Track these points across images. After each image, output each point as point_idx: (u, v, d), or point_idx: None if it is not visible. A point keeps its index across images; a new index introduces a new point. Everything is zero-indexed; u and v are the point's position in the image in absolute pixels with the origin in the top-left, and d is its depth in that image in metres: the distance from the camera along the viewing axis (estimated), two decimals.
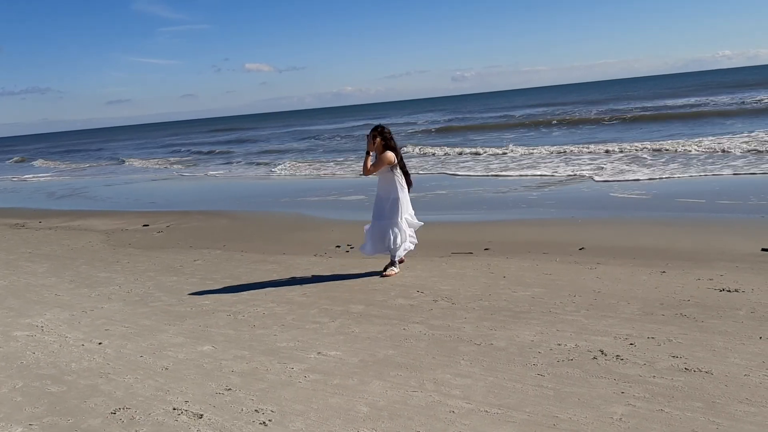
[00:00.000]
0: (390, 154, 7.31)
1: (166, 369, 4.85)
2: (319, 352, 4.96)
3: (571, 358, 4.45)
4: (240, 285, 7.45)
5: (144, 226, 13.33)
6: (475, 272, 7.20)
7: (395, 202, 7.37)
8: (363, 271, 7.63)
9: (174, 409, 4.10)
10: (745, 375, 3.97)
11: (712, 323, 4.96)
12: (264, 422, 3.81)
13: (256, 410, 3.98)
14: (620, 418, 3.52)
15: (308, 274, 7.76)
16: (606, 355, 4.44)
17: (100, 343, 5.60)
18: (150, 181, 26.14)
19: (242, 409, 4.02)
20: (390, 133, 7.42)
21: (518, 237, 9.43)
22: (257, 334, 5.53)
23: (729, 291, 5.76)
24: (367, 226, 7.63)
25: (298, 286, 7.20)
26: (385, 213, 7.38)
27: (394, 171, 7.36)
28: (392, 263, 7.45)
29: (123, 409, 4.15)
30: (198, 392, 4.34)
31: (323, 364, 4.70)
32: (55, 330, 6.09)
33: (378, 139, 7.33)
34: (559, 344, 4.72)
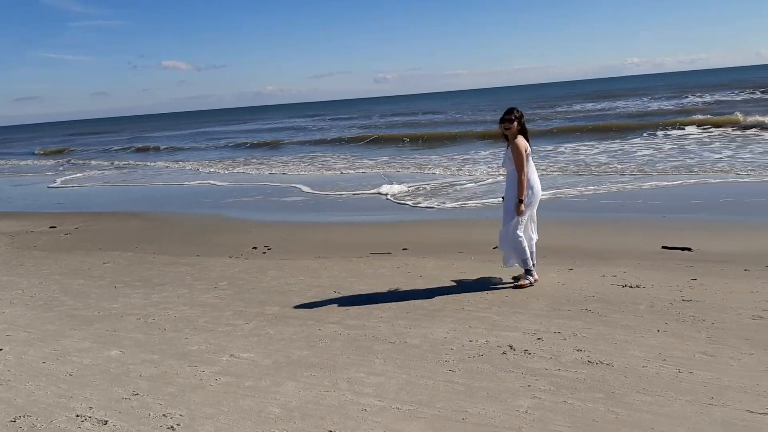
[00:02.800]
0: (523, 140, 6.23)
1: (71, 375, 4.65)
2: (232, 355, 4.88)
3: (481, 353, 4.55)
4: (151, 288, 7.23)
5: (51, 227, 12.74)
6: (392, 272, 7.26)
7: (509, 200, 6.39)
8: (280, 272, 7.55)
9: (77, 416, 3.94)
10: (643, 366, 4.16)
11: (615, 317, 5.18)
12: (172, 427, 3.72)
13: (164, 415, 3.88)
14: (526, 411, 3.63)
15: (223, 276, 7.62)
16: (515, 350, 4.56)
17: (0, 350, 5.31)
18: (56, 185, 24.98)
19: (150, 414, 3.90)
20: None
21: (436, 237, 9.57)
22: (168, 338, 5.39)
23: (631, 287, 6.04)
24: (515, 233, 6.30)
25: (212, 288, 7.05)
26: (503, 212, 6.46)
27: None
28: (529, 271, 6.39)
29: (24, 416, 3.97)
30: (103, 398, 4.19)
31: (235, 367, 4.63)
32: None
33: (515, 125, 6.19)
34: (471, 340, 4.82)
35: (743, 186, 12.18)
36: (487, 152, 22.55)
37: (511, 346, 4.64)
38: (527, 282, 6.29)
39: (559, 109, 44.34)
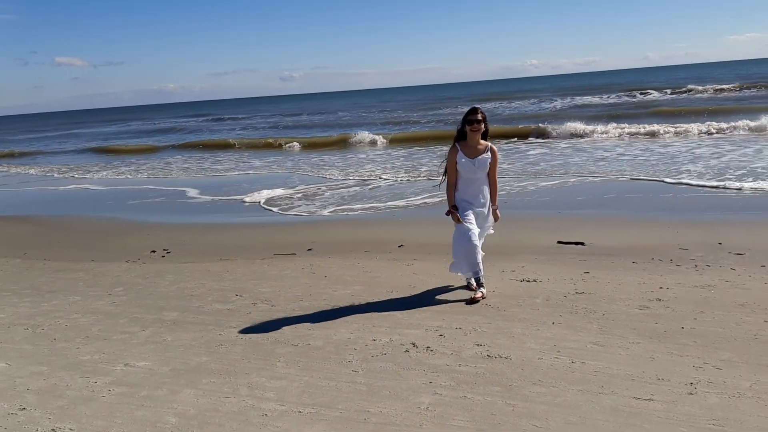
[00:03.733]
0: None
1: None
2: (127, 364, 4.68)
3: (384, 352, 4.57)
4: (41, 296, 6.84)
5: None
6: (297, 273, 7.18)
7: (487, 209, 6.01)
8: (180, 277, 7.32)
9: None
10: (539, 358, 4.30)
11: (513, 311, 5.33)
12: None
13: (52, 430, 3.68)
14: (427, 408, 3.67)
15: (119, 281, 7.30)
16: (417, 348, 4.61)
17: None
18: None
19: (37, 430, 3.69)
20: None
21: (342, 236, 9.56)
22: (58, 348, 5.11)
23: (528, 281, 6.24)
24: (467, 235, 5.73)
25: (107, 294, 6.75)
26: (480, 222, 5.93)
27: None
28: (481, 283, 5.84)
29: None
30: None
31: (130, 376, 4.44)
32: None
33: (482, 125, 5.81)
34: (374, 340, 4.83)
35: (622, 184, 12.84)
36: (364, 155, 22.77)
37: (413, 344, 4.68)
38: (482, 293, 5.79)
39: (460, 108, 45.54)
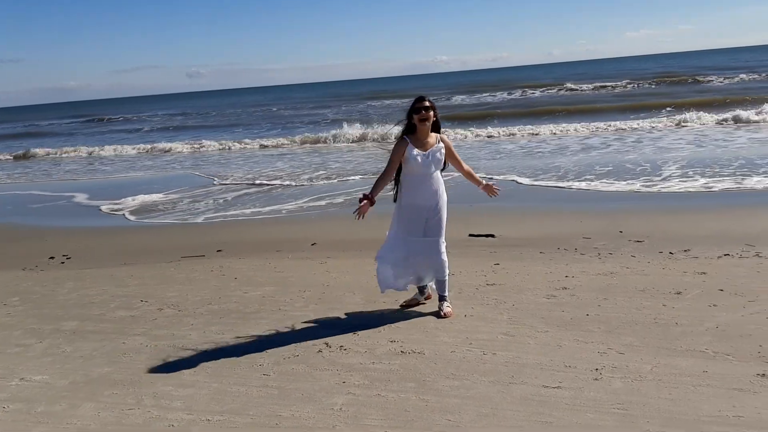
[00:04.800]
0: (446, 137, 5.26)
1: None
2: (22, 378, 4.39)
3: (297, 354, 4.47)
4: None
5: None
6: (206, 275, 6.96)
7: (443, 208, 5.22)
8: (80, 284, 6.95)
9: None
10: (452, 352, 4.33)
11: (427, 305, 5.35)
12: None
13: None
14: (340, 408, 3.61)
15: (14, 291, 6.86)
16: (330, 347, 4.54)
17: None
18: None
19: None
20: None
21: (253, 236, 9.37)
22: None
23: None
24: (392, 247, 5.24)
25: (2, 305, 6.33)
26: (432, 225, 5.15)
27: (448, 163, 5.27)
28: (444, 297, 5.22)
29: None
30: None
31: (26, 391, 4.17)
32: None
33: (432, 113, 5.04)
34: (286, 341, 4.73)
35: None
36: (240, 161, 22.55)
37: (327, 344, 4.61)
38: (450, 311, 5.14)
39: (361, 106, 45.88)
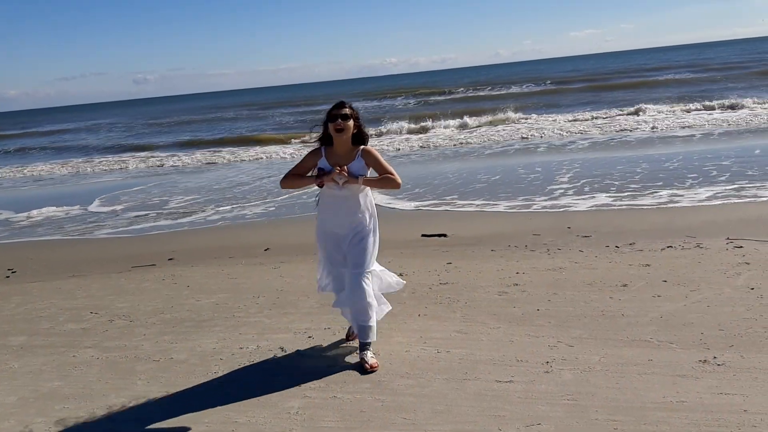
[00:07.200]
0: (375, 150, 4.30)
1: None
2: None
3: (252, 360, 4.46)
4: None
5: None
6: (157, 285, 6.86)
7: (372, 233, 4.41)
8: (27, 298, 6.77)
9: None
10: (406, 351, 4.37)
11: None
12: None
13: None
14: (296, 412, 3.62)
15: None
16: (286, 352, 4.54)
17: None
18: None
19: None
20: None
21: (205, 244, 9.27)
22: None
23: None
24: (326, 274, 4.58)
25: None
26: (354, 255, 4.26)
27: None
28: (366, 346, 4.23)
29: None
30: None
31: None
32: None
33: (352, 123, 4.16)
34: (241, 348, 4.71)
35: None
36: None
37: (282, 348, 4.61)
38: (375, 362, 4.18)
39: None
